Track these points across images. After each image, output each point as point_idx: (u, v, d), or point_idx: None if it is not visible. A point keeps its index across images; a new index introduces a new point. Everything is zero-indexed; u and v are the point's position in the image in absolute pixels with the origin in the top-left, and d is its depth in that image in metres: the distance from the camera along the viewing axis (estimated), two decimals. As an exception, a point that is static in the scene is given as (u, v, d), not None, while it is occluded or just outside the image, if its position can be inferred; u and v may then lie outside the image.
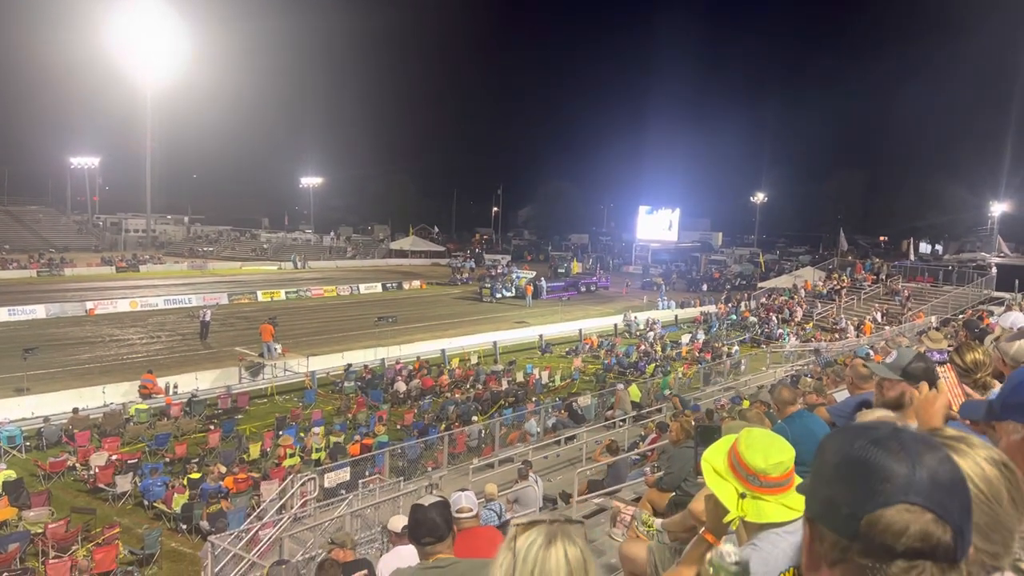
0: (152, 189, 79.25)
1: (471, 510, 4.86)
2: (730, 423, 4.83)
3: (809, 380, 11.36)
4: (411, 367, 28.18)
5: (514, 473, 13.81)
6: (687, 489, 5.51)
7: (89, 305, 40.45)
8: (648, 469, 9.52)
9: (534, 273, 55.78)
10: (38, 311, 38.57)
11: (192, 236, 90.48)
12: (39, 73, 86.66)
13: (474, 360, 30.75)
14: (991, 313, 27.72)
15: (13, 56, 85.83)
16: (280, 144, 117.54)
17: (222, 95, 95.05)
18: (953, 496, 1.06)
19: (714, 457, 2.04)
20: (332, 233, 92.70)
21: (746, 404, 16.19)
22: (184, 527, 14.70)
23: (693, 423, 7.19)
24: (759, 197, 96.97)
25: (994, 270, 44.00)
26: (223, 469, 16.71)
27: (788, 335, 38.30)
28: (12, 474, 16.17)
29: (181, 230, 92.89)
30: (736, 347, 35.01)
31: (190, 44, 72.95)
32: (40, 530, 13.71)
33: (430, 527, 3.14)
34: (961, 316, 31.77)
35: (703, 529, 2.11)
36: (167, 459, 18.58)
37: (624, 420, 20.53)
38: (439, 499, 3.30)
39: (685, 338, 37.20)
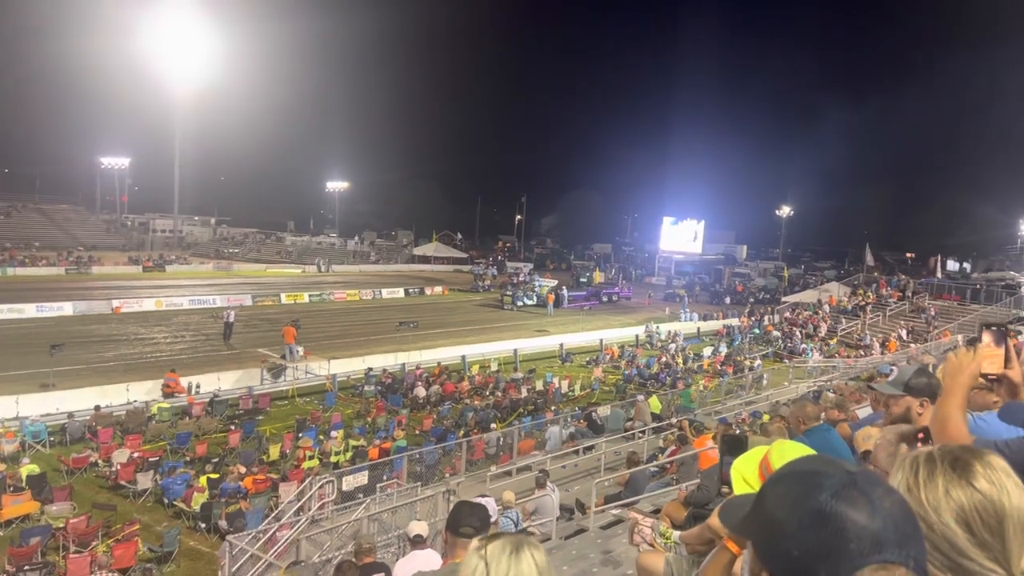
0: (180, 190, 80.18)
1: (490, 517, 4.86)
2: (754, 438, 4.74)
3: (831, 396, 11.20)
4: (431, 373, 28.23)
5: (532, 482, 13.76)
6: (714, 507, 5.44)
7: (115, 303, 40.98)
8: (684, 486, 9.42)
9: (556, 282, 55.82)
10: (65, 308, 39.14)
11: (218, 238, 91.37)
12: (71, 75, 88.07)
13: (494, 367, 30.73)
14: (1019, 333, 27.24)
15: (47, 58, 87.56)
16: (307, 148, 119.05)
17: (251, 98, 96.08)
18: (915, 540, 1.06)
19: (745, 467, 2.02)
20: (356, 237, 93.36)
21: (766, 419, 16.01)
22: (203, 526, 14.78)
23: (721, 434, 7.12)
24: (785, 210, 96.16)
25: (1023, 289, 43.31)
26: (243, 469, 16.80)
27: (811, 350, 37.94)
28: (36, 468, 16.38)
29: (208, 231, 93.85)
30: (758, 361, 34.73)
31: (220, 47, 73.87)
32: (61, 525, 13.86)
33: (466, 520, 3.46)
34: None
35: (725, 537, 2.08)
36: (188, 458, 18.69)
37: (643, 432, 20.40)
38: (480, 504, 3.47)
39: (707, 351, 36.97)
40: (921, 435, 2.13)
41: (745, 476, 2.00)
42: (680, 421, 18.95)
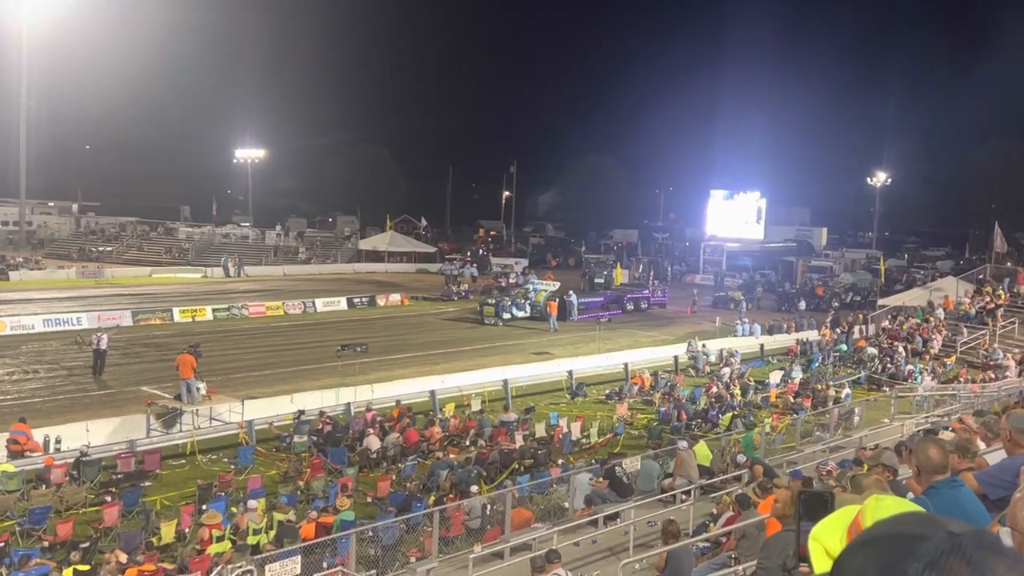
0: (28, 166, 79.79)
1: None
2: (842, 496, 4.76)
3: (950, 435, 11.23)
4: (388, 416, 28.16)
5: (532, 566, 13.74)
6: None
7: (-61, 327, 40.73)
8: (745, 569, 9.45)
9: (557, 284, 55.52)
10: None
11: (83, 231, 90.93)
12: None
13: (476, 406, 30.71)
14: None
15: None
16: (207, 104, 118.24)
17: (127, 37, 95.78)
18: None
19: (827, 535, 2.00)
20: (278, 227, 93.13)
21: (865, 469, 16.06)
22: (68, 639, 14.70)
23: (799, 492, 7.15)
24: (879, 178, 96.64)
25: None
26: (124, 557, 16.70)
27: (921, 373, 38.07)
28: None
29: (68, 223, 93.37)
30: (847, 390, 34.80)
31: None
32: None
33: None
34: None
35: None
36: (46, 543, 18.58)
37: (688, 492, 20.41)
38: None
39: (775, 377, 37.05)
40: None
41: (829, 549, 1.98)
42: (753, 465, 19.02)
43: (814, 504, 2.54)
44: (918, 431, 21.72)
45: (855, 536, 1.45)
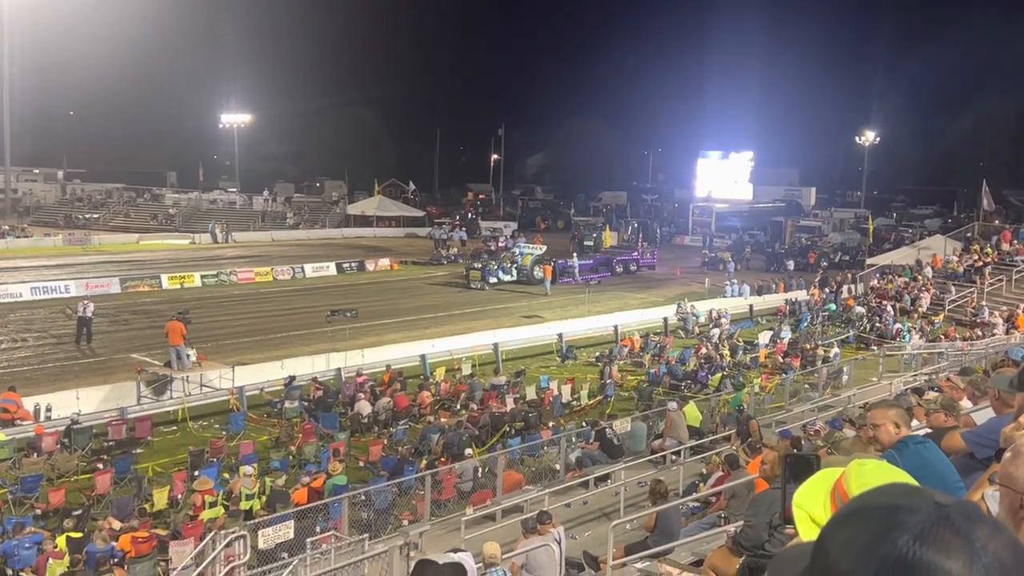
0: (12, 132, 79.18)
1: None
2: (828, 457, 4.79)
3: (935, 394, 11.32)
4: (378, 380, 28.23)
5: (523, 527, 13.83)
6: (771, 550, 5.52)
7: (-74, 296, 40.58)
8: (735, 528, 9.52)
9: (544, 248, 55.33)
10: None
11: (69, 198, 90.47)
12: None
13: (467, 370, 30.76)
14: None
15: None
16: (191, 68, 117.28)
17: (110, 1, 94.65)
18: None
19: (809, 500, 2.00)
20: (266, 192, 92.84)
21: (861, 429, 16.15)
22: (63, 605, 14.77)
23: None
24: (867, 137, 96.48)
25: None
26: (116, 524, 16.75)
27: (909, 332, 38.24)
28: None
29: (54, 190, 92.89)
30: (836, 349, 34.97)
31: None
32: None
33: None
34: None
35: None
36: (38, 511, 18.62)
37: (678, 453, 20.54)
38: (454, 562, 3.40)
39: (764, 337, 37.20)
40: None
41: (812, 513, 1.99)
42: (751, 422, 19.18)
43: (800, 467, 2.55)
44: (906, 389, 21.88)
45: (840, 508, 1.45)
